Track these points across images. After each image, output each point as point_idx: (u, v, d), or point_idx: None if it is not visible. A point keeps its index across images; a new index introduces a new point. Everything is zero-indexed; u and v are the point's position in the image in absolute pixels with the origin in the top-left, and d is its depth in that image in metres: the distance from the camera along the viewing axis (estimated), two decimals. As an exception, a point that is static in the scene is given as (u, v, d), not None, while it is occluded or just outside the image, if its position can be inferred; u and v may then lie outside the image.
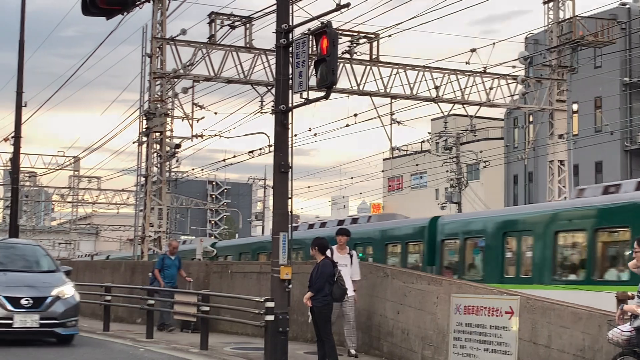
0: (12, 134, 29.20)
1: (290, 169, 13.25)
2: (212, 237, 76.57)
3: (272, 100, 16.10)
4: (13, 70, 28.91)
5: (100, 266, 26.39)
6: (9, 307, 13.78)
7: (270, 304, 12.81)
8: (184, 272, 19.30)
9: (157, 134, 25.70)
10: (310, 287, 12.35)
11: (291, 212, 13.39)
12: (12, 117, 28.26)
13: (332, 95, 14.31)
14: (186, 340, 16.44)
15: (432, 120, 55.00)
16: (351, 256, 13.68)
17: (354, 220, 27.92)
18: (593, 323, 9.75)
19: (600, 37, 28.76)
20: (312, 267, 12.86)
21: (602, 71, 41.20)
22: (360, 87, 26.99)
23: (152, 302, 17.45)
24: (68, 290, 14.63)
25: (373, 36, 26.74)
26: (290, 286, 13.07)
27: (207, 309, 15.50)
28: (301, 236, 26.19)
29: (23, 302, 13.87)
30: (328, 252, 12.71)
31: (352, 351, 13.39)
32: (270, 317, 12.71)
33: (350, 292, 13.32)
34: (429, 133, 48.71)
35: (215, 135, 28.68)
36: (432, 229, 22.52)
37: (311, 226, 29.74)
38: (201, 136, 27.63)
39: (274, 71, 15.51)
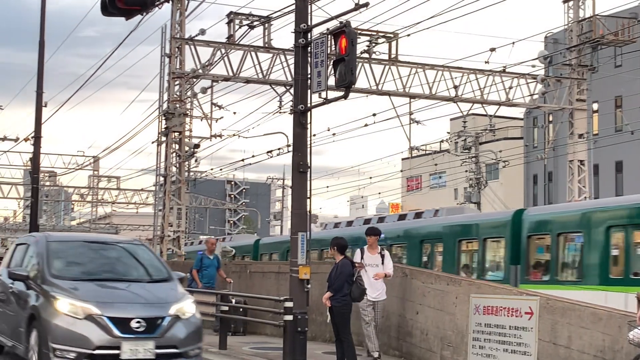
0: (32, 134, 29.38)
1: (308, 169, 13.26)
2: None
3: (291, 100, 16.10)
4: (33, 71, 29.06)
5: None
6: (116, 331, 10.04)
7: (289, 304, 12.83)
8: (224, 272, 18.54)
9: (176, 133, 25.77)
10: (329, 286, 12.34)
11: (310, 211, 13.40)
12: (32, 117, 28.40)
13: (351, 94, 14.32)
14: (205, 340, 16.48)
15: (451, 119, 54.83)
16: (382, 256, 13.47)
17: (418, 215, 25.53)
18: (613, 323, 9.70)
19: (621, 36, 28.55)
20: (330, 267, 12.87)
21: (622, 70, 40.90)
22: (379, 87, 26.95)
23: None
24: (189, 307, 10.82)
25: (392, 35, 26.69)
26: (309, 286, 13.08)
27: (226, 308, 15.53)
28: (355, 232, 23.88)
29: (134, 324, 10.11)
30: (352, 253, 12.71)
31: (375, 354, 13.18)
32: (289, 317, 12.73)
33: (383, 295, 13.28)
34: (448, 133, 48.58)
35: (234, 135, 28.74)
36: (515, 224, 20.15)
37: (367, 221, 26.93)
38: (220, 136, 27.69)
39: (292, 71, 15.52)
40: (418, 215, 25.49)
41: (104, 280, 10.99)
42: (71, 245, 12.10)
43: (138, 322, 10.13)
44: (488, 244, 21.33)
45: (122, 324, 10.09)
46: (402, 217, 26.39)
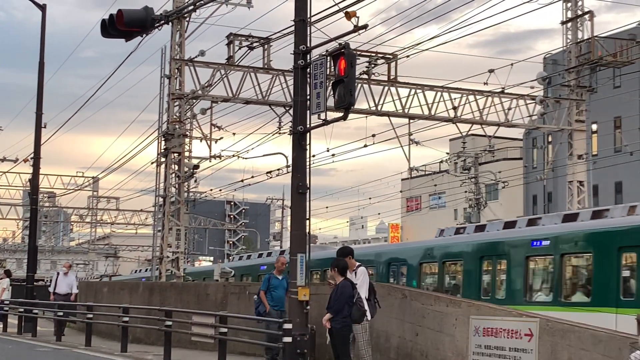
0: (32, 155, 29.41)
1: (308, 190, 13.24)
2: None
3: (290, 121, 16.12)
4: (33, 91, 29.17)
5: (119, 287, 26.43)
6: None
7: (288, 326, 12.77)
8: None
9: (176, 154, 25.78)
10: (329, 308, 12.28)
11: (309, 233, 13.36)
12: (31, 138, 28.45)
13: (351, 115, 14.32)
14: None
15: (451, 140, 54.87)
16: (355, 273, 12.96)
17: (509, 225, 21.25)
18: (613, 345, 9.65)
19: (619, 58, 28.64)
20: (329, 289, 12.80)
21: (621, 91, 41.01)
22: (379, 108, 26.99)
23: (169, 323, 17.39)
24: None
25: (391, 57, 26.77)
26: (309, 307, 13.02)
27: (225, 330, 15.46)
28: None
29: None
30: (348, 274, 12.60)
31: None
32: (288, 339, 12.66)
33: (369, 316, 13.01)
34: (448, 153, 48.64)
35: (233, 155, 28.72)
36: None
37: (509, 224, 21.29)
38: (219, 157, 27.67)
39: (292, 92, 15.54)
40: (509, 224, 21.21)
41: None
42: None
43: None
44: (626, 257, 16.61)
45: None
46: (510, 223, 21.57)
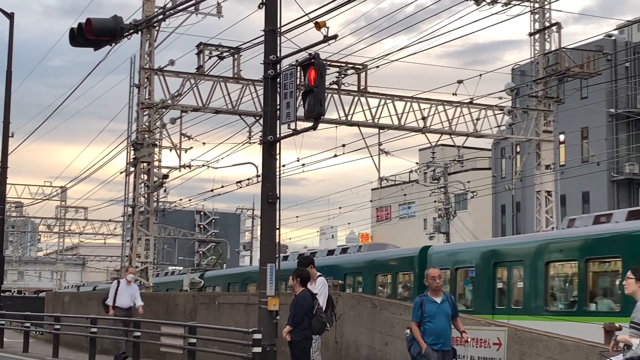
0: (-1, 164, 29.11)
1: (278, 200, 13.24)
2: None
3: (260, 131, 16.12)
4: (0, 101, 28.94)
5: (87, 298, 26.21)
6: None
7: (258, 336, 12.74)
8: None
9: (145, 164, 25.64)
10: (289, 320, 12.04)
11: (279, 242, 13.35)
12: (-1, 147, 28.15)
13: (320, 125, 14.36)
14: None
15: (420, 150, 55.12)
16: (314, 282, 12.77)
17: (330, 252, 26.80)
18: (580, 354, 9.73)
19: (587, 69, 28.95)
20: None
21: (588, 102, 41.47)
22: (348, 118, 27.04)
23: (138, 334, 17.28)
24: None
25: (361, 67, 26.84)
26: (278, 317, 12.99)
27: (194, 340, 15.39)
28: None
29: None
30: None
31: None
32: (258, 349, 12.64)
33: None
34: (417, 163, 48.86)
35: (203, 165, 28.61)
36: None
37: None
38: (189, 166, 27.55)
39: (262, 102, 15.55)
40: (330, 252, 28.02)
41: None
42: None
43: None
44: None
45: None
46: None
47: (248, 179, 30.90)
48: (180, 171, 27.30)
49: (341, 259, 27.28)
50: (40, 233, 75.80)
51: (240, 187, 31.35)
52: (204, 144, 27.37)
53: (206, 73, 25.79)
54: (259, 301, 13.15)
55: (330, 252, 28.81)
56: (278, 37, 13.34)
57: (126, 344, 18.82)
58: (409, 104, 27.65)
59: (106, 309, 19.53)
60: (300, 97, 12.78)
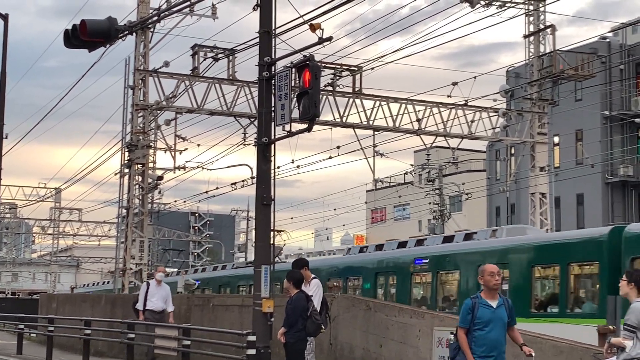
0: (-7, 166, 29.01)
1: (272, 202, 13.22)
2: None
3: (255, 133, 16.10)
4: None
5: (81, 299, 26.17)
6: None
7: (252, 338, 12.71)
8: None
9: (139, 165, 25.61)
10: (283, 322, 12.02)
11: (273, 244, 13.34)
12: (-7, 149, 28.08)
13: (315, 127, 14.34)
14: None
15: (415, 152, 55.19)
16: (309, 283, 12.82)
17: (468, 236, 21.37)
18: (574, 356, 9.74)
19: (581, 71, 29.03)
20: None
21: (582, 104, 41.52)
22: (343, 119, 27.06)
23: (132, 335, 17.23)
24: None
25: (356, 69, 26.86)
26: (273, 319, 12.96)
27: (188, 342, 15.36)
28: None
29: None
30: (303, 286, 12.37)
31: None
32: (252, 351, 12.60)
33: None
34: (412, 165, 48.88)
35: (198, 167, 28.62)
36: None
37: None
38: (184, 168, 27.55)
39: (256, 103, 15.54)
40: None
41: None
42: None
43: None
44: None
45: None
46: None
47: (243, 181, 30.92)
48: (174, 173, 27.35)
49: (466, 247, 20.41)
50: (34, 234, 75.65)
51: (235, 189, 31.39)
52: (198, 145, 27.40)
53: (201, 75, 25.79)
54: (254, 303, 13.12)
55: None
56: (273, 39, 13.33)
57: (120, 346, 18.78)
58: (403, 105, 27.68)
59: (137, 314, 18.02)
60: (295, 99, 12.76)
